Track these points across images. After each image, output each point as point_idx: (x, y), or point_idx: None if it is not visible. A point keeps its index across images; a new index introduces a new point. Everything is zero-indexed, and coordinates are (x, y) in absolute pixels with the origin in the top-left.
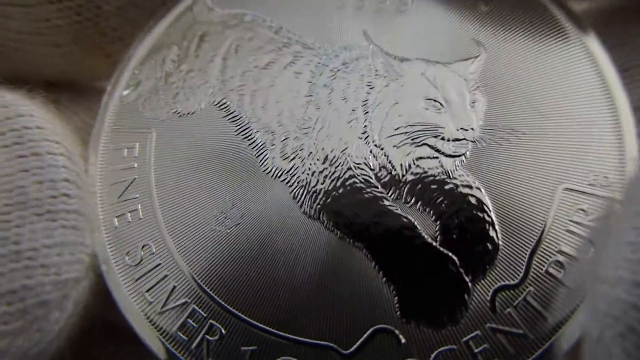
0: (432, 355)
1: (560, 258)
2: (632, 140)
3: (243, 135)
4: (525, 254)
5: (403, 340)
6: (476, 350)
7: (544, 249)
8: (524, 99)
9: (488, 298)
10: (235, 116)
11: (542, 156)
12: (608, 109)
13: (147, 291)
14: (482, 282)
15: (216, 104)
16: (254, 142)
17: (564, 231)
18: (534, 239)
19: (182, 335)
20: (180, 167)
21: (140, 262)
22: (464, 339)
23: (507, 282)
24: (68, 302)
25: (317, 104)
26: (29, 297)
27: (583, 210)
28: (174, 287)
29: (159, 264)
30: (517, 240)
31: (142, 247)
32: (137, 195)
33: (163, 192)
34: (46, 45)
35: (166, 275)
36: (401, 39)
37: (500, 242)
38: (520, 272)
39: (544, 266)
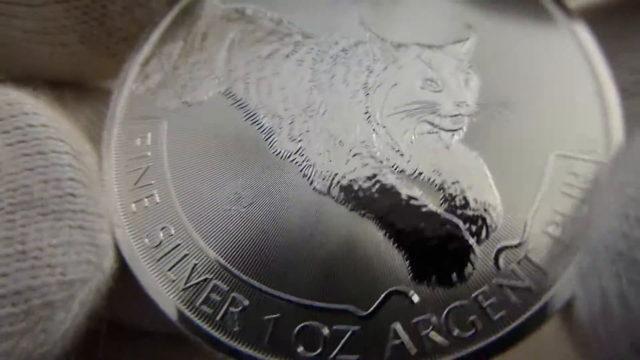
0: (446, 311)
1: (556, 218)
2: (616, 109)
3: (251, 120)
4: (524, 216)
5: (417, 300)
6: (485, 304)
7: (540, 210)
8: (514, 76)
9: (492, 257)
10: (242, 103)
11: (534, 127)
12: (592, 82)
13: (169, 270)
14: (486, 242)
15: (223, 93)
16: (262, 126)
17: (558, 193)
18: (531, 201)
19: (206, 309)
20: (193, 153)
21: (160, 243)
22: (474, 294)
23: (509, 242)
24: (74, 302)
25: (320, 88)
26: (34, 298)
27: (575, 173)
28: (195, 264)
29: (179, 244)
30: (516, 203)
31: (162, 229)
32: (153, 182)
33: (178, 178)
34: (52, 45)
35: (186, 255)
36: (397, 26)
37: (500, 206)
38: (520, 233)
39: (541, 226)
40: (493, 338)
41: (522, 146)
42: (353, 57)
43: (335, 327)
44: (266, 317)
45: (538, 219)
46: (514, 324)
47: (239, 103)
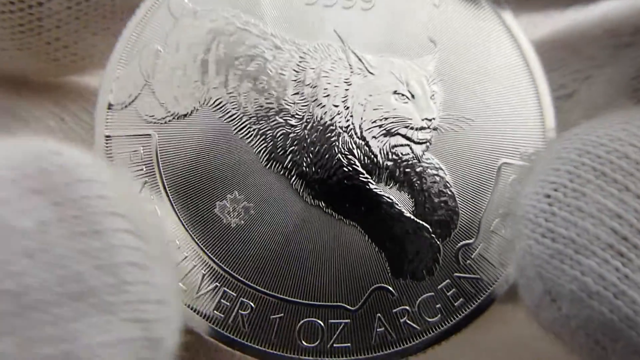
0: (417, 302)
1: (502, 218)
2: (551, 119)
3: (242, 133)
4: (478, 218)
5: (395, 293)
6: (448, 294)
7: (490, 212)
8: (469, 89)
9: (453, 254)
10: (232, 115)
11: (486, 138)
12: (533, 94)
13: (180, 281)
14: (449, 242)
15: (211, 105)
16: (252, 139)
17: (503, 197)
18: (484, 206)
19: (219, 314)
20: (188, 167)
21: None
22: (439, 286)
23: (466, 241)
24: None
25: (304, 100)
26: None
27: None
28: (203, 275)
29: (186, 257)
30: (472, 208)
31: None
32: (152, 198)
33: (175, 193)
34: None
35: (194, 266)
36: (367, 34)
37: (459, 211)
38: (475, 233)
39: (490, 225)
40: (454, 321)
41: (477, 156)
42: (333, 69)
43: (330, 321)
44: (272, 316)
45: (488, 220)
46: (469, 309)
47: (228, 115)
